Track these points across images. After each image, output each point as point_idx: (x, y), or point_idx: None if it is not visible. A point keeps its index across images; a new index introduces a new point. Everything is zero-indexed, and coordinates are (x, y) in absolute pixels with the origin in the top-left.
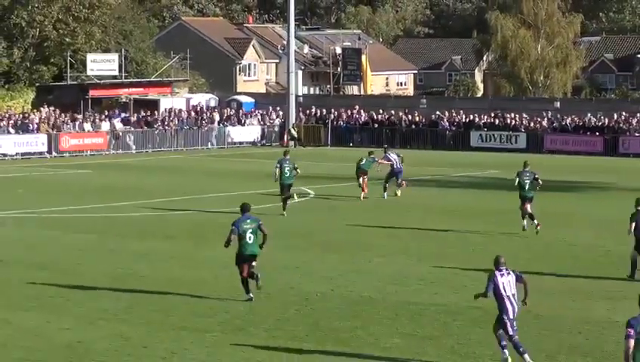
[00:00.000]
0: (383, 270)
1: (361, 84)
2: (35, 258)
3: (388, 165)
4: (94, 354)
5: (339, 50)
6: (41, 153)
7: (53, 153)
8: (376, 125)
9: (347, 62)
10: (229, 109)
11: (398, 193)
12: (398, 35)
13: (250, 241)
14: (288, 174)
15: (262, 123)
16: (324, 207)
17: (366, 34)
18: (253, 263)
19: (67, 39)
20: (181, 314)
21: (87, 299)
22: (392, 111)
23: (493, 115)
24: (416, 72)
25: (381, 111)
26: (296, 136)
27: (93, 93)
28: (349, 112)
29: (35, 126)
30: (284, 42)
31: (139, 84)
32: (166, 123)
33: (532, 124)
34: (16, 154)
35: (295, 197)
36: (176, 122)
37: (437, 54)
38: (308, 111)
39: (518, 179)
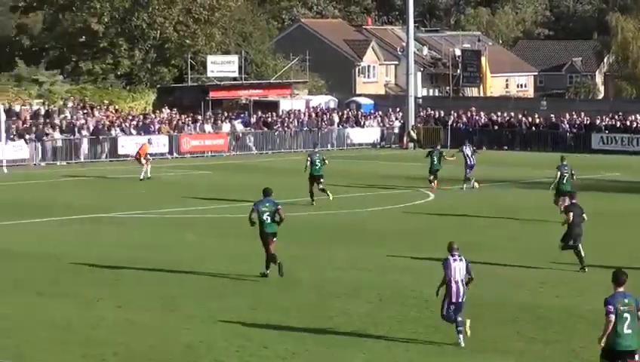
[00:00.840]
0: (503, 272)
1: (481, 86)
2: (156, 258)
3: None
4: (215, 354)
5: (458, 52)
6: (162, 154)
7: (174, 154)
8: (495, 127)
9: (466, 63)
10: (348, 111)
11: (476, 185)
12: (517, 36)
13: (268, 221)
14: (318, 166)
15: (381, 124)
16: (445, 209)
17: (485, 35)
18: (274, 239)
19: (187, 41)
20: (301, 315)
21: (208, 298)
22: (512, 113)
23: (614, 117)
24: (536, 73)
25: (500, 113)
26: (415, 137)
27: (213, 94)
28: (469, 114)
29: (156, 127)
30: (404, 44)
31: (259, 86)
32: (285, 124)
33: None
34: None
35: (330, 196)
36: (296, 123)
37: (557, 56)
38: (427, 113)
39: (558, 172)
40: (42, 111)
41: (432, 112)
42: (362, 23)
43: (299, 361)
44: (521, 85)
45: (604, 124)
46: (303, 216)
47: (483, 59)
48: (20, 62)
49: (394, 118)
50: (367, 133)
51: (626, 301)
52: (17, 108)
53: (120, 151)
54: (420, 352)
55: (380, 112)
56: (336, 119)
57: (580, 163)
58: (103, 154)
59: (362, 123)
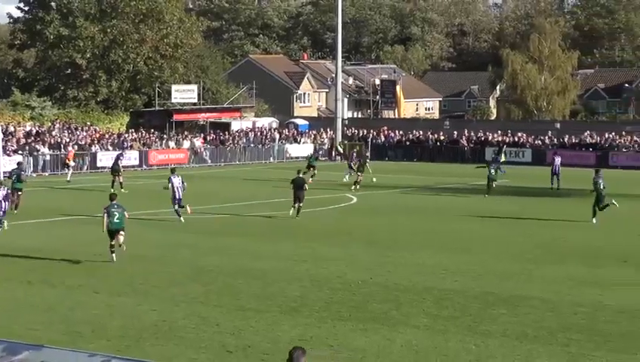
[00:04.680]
0: (413, 261)
1: (396, 110)
2: (130, 252)
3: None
4: (176, 331)
5: (377, 82)
6: (134, 166)
7: (144, 166)
8: (407, 143)
9: (384, 91)
10: (287, 130)
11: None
12: (426, 68)
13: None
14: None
15: (314, 141)
16: (365, 211)
17: (400, 68)
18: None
19: (155, 73)
20: (247, 298)
21: (170, 285)
22: (421, 132)
23: (504, 134)
24: (441, 99)
25: (411, 131)
26: (342, 151)
27: (176, 117)
28: (386, 132)
29: (129, 144)
30: (333, 75)
31: (214, 110)
32: (236, 141)
33: (536, 142)
34: None
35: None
36: (244, 140)
37: (458, 84)
38: (352, 132)
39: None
40: (34, 131)
41: (356, 131)
42: (299, 58)
43: (246, 335)
44: (429, 108)
45: (496, 139)
46: (249, 216)
47: (398, 87)
48: (15, 91)
49: (325, 136)
50: (303, 148)
51: (116, 206)
52: (13, 128)
53: (99, 164)
54: (345, 327)
55: (314, 131)
56: (277, 137)
57: (476, 172)
58: (85, 166)
59: (299, 140)
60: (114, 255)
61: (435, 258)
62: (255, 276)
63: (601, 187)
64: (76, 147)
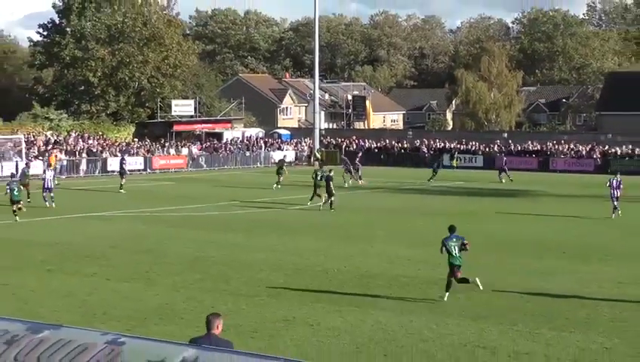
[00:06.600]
0: (382, 253)
1: (366, 121)
2: (137, 245)
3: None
4: (177, 313)
5: (350, 97)
6: (139, 170)
7: (148, 170)
8: (376, 150)
9: (356, 105)
10: (271, 139)
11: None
12: (392, 86)
13: (16, 193)
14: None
15: (295, 149)
16: (340, 209)
17: (369, 85)
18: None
19: (157, 90)
20: (238, 284)
21: (172, 273)
22: (387, 140)
23: (459, 143)
24: (404, 112)
25: (379, 140)
26: (319, 157)
27: (176, 127)
28: (357, 141)
29: (135, 151)
30: (311, 91)
31: (208, 121)
32: (227, 148)
33: (487, 149)
34: None
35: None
36: (235, 148)
37: (419, 100)
38: (328, 141)
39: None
40: (52, 140)
41: (331, 140)
42: (282, 76)
43: (237, 316)
44: (394, 120)
45: (452, 147)
46: (239, 213)
47: (367, 102)
48: (36, 105)
49: (304, 144)
50: (286, 155)
51: (14, 183)
52: (33, 137)
53: (109, 168)
54: (323, 308)
55: (295, 140)
56: (263, 145)
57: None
58: (97, 170)
59: (282, 147)
60: (17, 217)
61: (400, 250)
62: (245, 265)
63: (319, 178)
64: (57, 152)
